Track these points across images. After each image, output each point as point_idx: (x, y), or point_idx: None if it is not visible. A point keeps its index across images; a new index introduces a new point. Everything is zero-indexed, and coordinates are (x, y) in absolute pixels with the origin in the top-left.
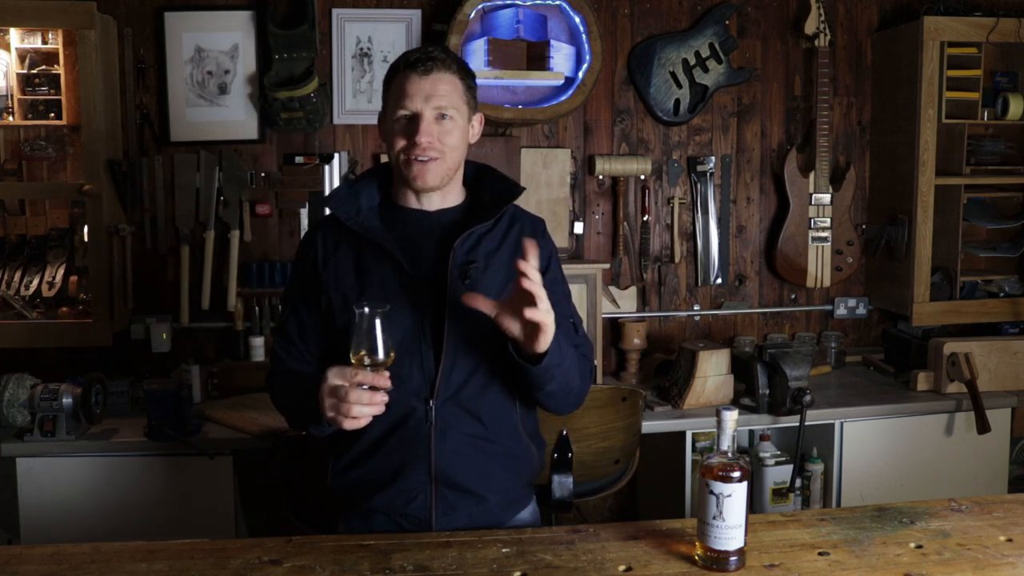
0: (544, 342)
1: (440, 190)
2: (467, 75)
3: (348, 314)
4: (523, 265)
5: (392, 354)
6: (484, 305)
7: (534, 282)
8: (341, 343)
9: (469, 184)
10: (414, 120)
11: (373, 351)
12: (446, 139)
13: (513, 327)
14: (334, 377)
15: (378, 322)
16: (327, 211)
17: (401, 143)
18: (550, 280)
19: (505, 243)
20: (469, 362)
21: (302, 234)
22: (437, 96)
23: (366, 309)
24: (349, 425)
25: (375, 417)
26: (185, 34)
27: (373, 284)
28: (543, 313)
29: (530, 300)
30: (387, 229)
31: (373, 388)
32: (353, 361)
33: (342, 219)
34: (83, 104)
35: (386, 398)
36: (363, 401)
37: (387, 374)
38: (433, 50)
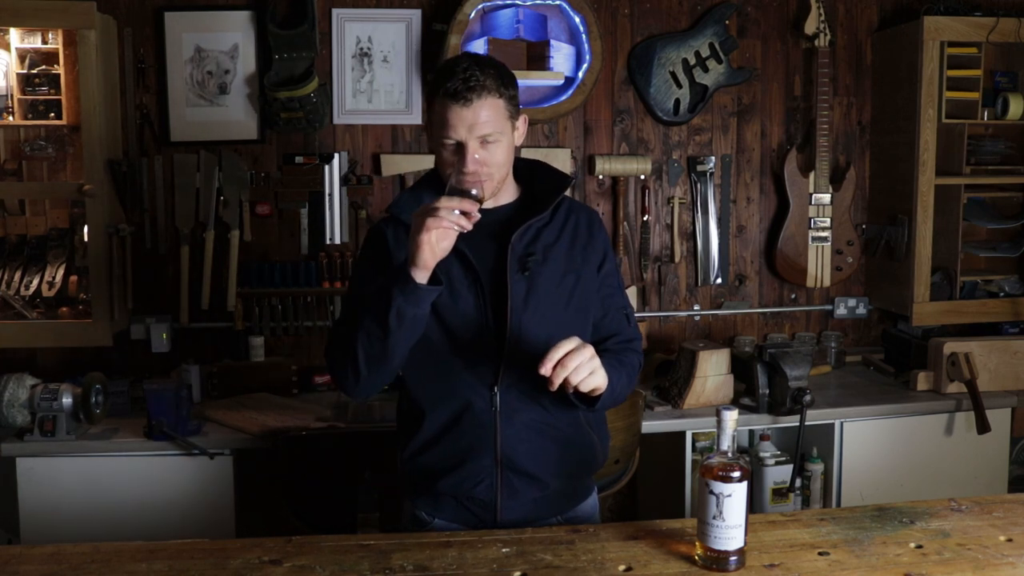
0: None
1: None
2: (507, 86)
3: None
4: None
5: (482, 200)
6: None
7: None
8: None
9: (520, 178)
10: (460, 148)
11: (465, 193)
12: (492, 159)
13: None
14: (424, 205)
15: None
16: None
17: (450, 169)
18: (606, 272)
19: (563, 235)
20: (531, 351)
21: (302, 234)
22: (480, 125)
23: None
24: (430, 235)
25: (441, 404)
26: (185, 34)
27: (439, 276)
28: (582, 386)
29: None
30: None
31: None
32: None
33: (408, 223)
34: (83, 104)
35: (470, 225)
36: (454, 207)
37: (477, 205)
38: (471, 75)
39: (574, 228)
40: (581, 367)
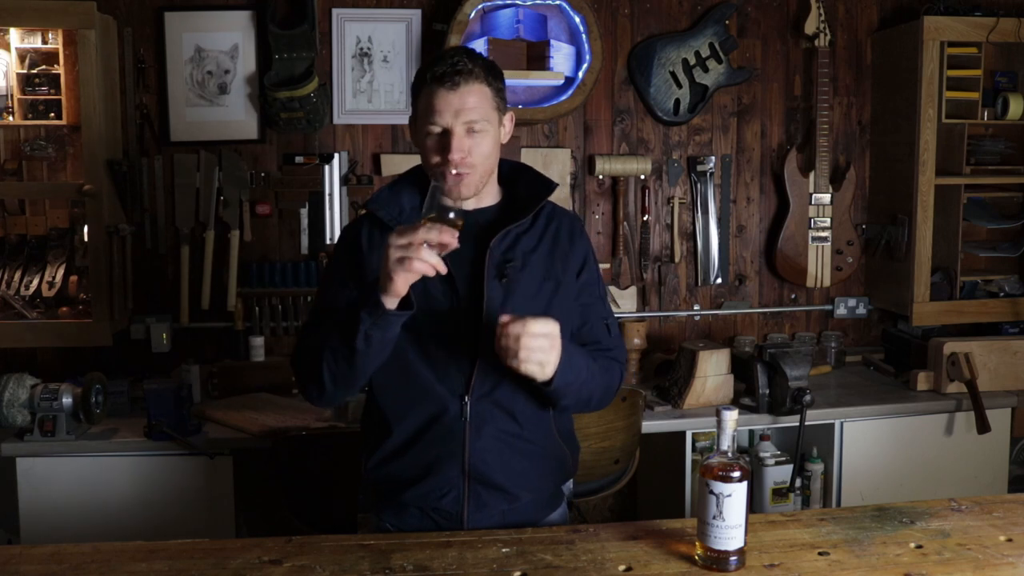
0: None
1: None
2: (495, 78)
3: None
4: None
5: (461, 221)
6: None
7: (509, 334)
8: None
9: (504, 181)
10: (445, 136)
11: (443, 215)
12: (477, 150)
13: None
14: (401, 229)
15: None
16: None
17: (435, 158)
18: (585, 281)
19: (543, 241)
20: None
21: (302, 234)
22: (466, 110)
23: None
24: (413, 268)
25: (410, 413)
26: (185, 34)
27: (412, 300)
28: (521, 364)
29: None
30: None
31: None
32: (424, 221)
33: (385, 220)
34: (83, 104)
35: (454, 241)
36: (432, 238)
37: (455, 232)
38: (458, 61)
39: (555, 234)
40: (534, 349)
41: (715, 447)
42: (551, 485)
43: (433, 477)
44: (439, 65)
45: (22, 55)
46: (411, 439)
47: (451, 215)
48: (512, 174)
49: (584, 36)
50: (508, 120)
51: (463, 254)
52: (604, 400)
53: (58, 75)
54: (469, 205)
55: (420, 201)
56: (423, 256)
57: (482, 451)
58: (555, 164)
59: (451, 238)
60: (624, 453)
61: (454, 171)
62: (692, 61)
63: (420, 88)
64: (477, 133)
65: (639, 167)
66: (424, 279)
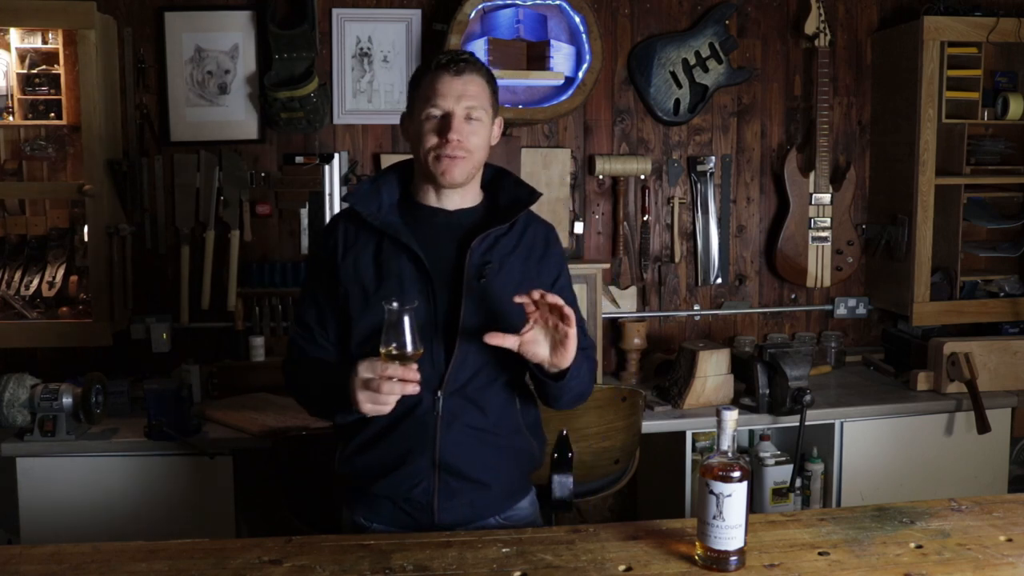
0: (569, 358)
1: (460, 189)
2: (492, 79)
3: (365, 305)
4: (550, 297)
5: (421, 349)
6: (508, 341)
7: (563, 304)
8: (355, 333)
9: (485, 186)
10: (446, 119)
11: (402, 346)
12: (472, 139)
13: (540, 351)
14: (364, 371)
15: (407, 318)
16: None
17: (432, 140)
18: (561, 287)
19: (520, 247)
20: (479, 357)
21: (302, 234)
22: (468, 96)
23: (395, 305)
24: (380, 401)
25: None
26: (185, 34)
27: (391, 277)
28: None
29: (561, 318)
30: (405, 225)
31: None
32: (383, 354)
33: (363, 215)
34: (83, 104)
35: (417, 389)
36: (395, 392)
37: (415, 367)
38: (462, 53)
39: (531, 240)
40: (571, 341)
41: (715, 447)
42: (519, 475)
43: (404, 468)
44: (443, 55)
45: (22, 55)
46: (382, 432)
47: (408, 349)
48: (494, 180)
49: (584, 36)
50: (497, 125)
51: (441, 254)
52: (589, 392)
53: (58, 75)
54: (453, 203)
55: (400, 196)
56: (388, 390)
57: (452, 444)
58: (555, 164)
59: (413, 375)
60: (624, 453)
61: (448, 151)
62: (692, 61)
63: (422, 77)
64: (474, 121)
65: (639, 167)
66: (400, 278)
